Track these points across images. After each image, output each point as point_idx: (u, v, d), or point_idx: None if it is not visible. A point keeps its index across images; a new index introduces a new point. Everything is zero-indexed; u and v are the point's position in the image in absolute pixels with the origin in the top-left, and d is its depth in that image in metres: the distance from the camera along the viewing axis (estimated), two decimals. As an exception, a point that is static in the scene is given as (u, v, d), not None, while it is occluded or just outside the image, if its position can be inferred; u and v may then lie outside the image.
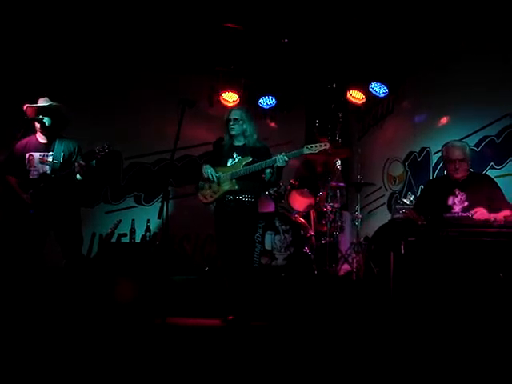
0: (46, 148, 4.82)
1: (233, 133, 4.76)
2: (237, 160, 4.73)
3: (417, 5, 5.49)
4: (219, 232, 4.82)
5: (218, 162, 4.81)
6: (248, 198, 4.71)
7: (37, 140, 4.86)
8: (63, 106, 4.90)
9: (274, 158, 4.57)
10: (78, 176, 4.76)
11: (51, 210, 4.72)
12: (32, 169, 4.77)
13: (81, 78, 6.90)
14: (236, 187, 4.65)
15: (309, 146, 4.55)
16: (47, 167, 4.76)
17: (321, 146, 4.53)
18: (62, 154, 4.81)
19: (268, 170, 4.66)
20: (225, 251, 4.77)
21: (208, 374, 3.10)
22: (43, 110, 4.77)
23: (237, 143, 4.80)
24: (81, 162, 4.69)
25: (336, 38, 6.40)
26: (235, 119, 4.74)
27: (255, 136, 4.79)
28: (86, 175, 4.77)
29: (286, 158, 4.50)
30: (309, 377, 3.09)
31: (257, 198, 4.81)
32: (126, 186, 7.32)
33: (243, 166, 4.65)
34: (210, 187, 4.77)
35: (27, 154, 4.79)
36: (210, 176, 4.71)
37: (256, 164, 4.60)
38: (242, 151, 4.74)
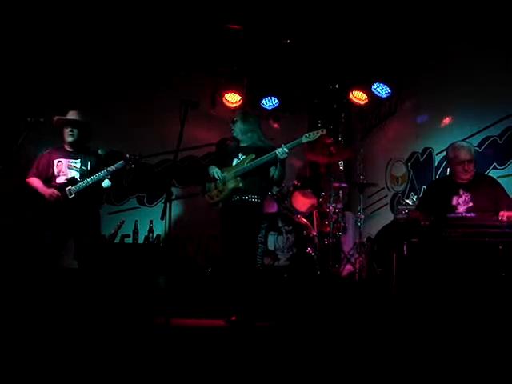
0: (73, 155, 4.97)
1: (233, 134, 4.91)
2: (241, 159, 4.78)
3: (419, 5, 5.48)
4: (224, 232, 4.84)
5: (224, 162, 4.88)
6: (254, 198, 4.72)
7: (64, 149, 5.01)
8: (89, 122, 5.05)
9: (273, 151, 4.61)
10: (106, 183, 4.91)
11: (75, 214, 4.80)
12: (60, 174, 4.89)
13: (83, 79, 6.89)
14: (241, 185, 4.68)
15: (307, 135, 4.60)
16: (75, 172, 4.89)
17: (318, 132, 4.59)
18: (89, 162, 4.96)
19: (272, 168, 4.71)
20: (229, 251, 4.78)
21: (211, 375, 3.10)
22: (74, 123, 4.93)
23: (242, 144, 4.88)
24: (113, 167, 4.80)
25: (338, 38, 6.40)
26: (234, 121, 4.90)
27: (250, 134, 4.84)
28: (114, 181, 4.94)
29: (287, 150, 4.55)
30: (312, 377, 3.09)
31: (263, 197, 4.85)
32: (129, 187, 7.32)
33: (247, 164, 4.70)
34: (215, 187, 4.82)
35: (56, 160, 4.92)
36: (215, 175, 4.76)
37: (258, 159, 4.66)
38: (247, 151, 4.80)
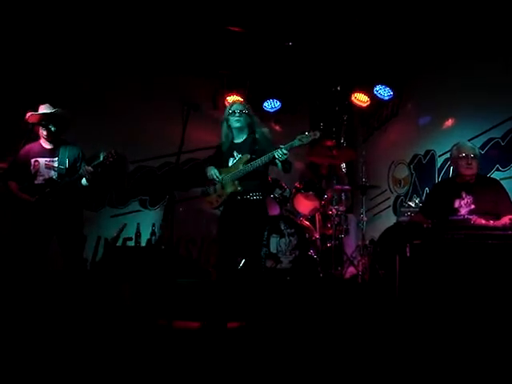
0: (51, 154, 4.87)
1: (238, 125, 4.60)
2: (237, 159, 4.59)
3: (421, 8, 5.48)
4: (224, 231, 4.63)
5: (220, 162, 4.69)
6: (256, 195, 4.55)
7: (41, 146, 4.90)
8: (65, 111, 4.94)
9: (271, 153, 4.40)
10: (83, 181, 4.82)
11: (56, 214, 4.75)
12: (38, 174, 4.81)
13: (84, 81, 6.91)
14: (239, 188, 4.51)
15: (299, 138, 4.39)
16: (53, 173, 4.81)
17: (310, 136, 4.36)
18: (67, 160, 4.86)
19: (278, 164, 4.48)
20: (229, 252, 4.58)
21: (212, 376, 3.10)
22: (47, 117, 4.80)
23: (237, 140, 4.66)
24: (89, 168, 4.73)
25: (340, 40, 6.41)
26: (240, 111, 4.59)
27: (257, 126, 4.67)
28: (93, 180, 4.82)
29: (286, 151, 4.35)
30: (314, 378, 3.08)
31: (264, 195, 4.66)
32: (131, 189, 7.33)
33: (243, 165, 4.51)
34: (214, 191, 4.65)
35: (32, 160, 4.82)
36: (214, 177, 4.60)
37: (254, 162, 4.46)
38: (242, 148, 4.61)
